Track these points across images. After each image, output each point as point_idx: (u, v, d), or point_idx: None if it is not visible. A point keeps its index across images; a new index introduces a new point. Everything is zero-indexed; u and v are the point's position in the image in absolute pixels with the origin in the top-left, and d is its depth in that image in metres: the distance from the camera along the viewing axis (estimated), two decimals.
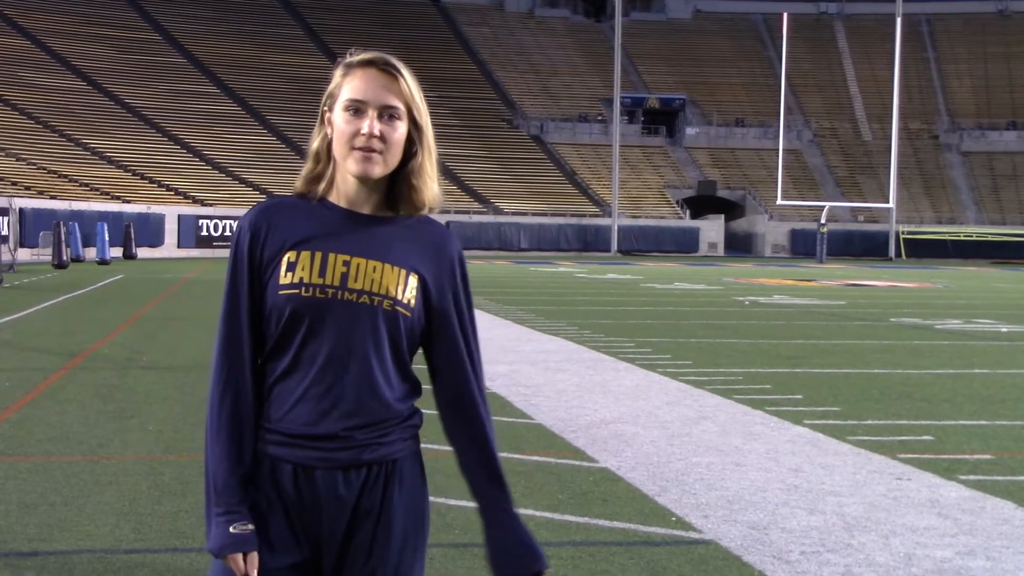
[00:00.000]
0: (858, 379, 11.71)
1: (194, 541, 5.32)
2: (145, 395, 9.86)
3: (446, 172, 60.68)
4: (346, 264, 2.28)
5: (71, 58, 67.11)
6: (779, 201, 67.01)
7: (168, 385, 10.51)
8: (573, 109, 78.80)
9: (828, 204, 66.42)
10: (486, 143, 72.41)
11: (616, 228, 66.52)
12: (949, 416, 9.43)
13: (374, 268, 2.29)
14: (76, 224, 42.51)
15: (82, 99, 63.71)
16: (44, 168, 53.48)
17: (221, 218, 54.57)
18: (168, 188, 57.46)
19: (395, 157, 2.31)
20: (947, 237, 68.87)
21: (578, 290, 28.94)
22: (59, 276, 31.79)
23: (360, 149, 2.27)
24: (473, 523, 5.66)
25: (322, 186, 2.35)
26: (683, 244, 68.27)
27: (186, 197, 57.16)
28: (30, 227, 43.61)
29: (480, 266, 43.80)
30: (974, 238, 68.95)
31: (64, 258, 36.46)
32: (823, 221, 61.30)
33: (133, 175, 57.70)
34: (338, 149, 2.30)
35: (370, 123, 2.27)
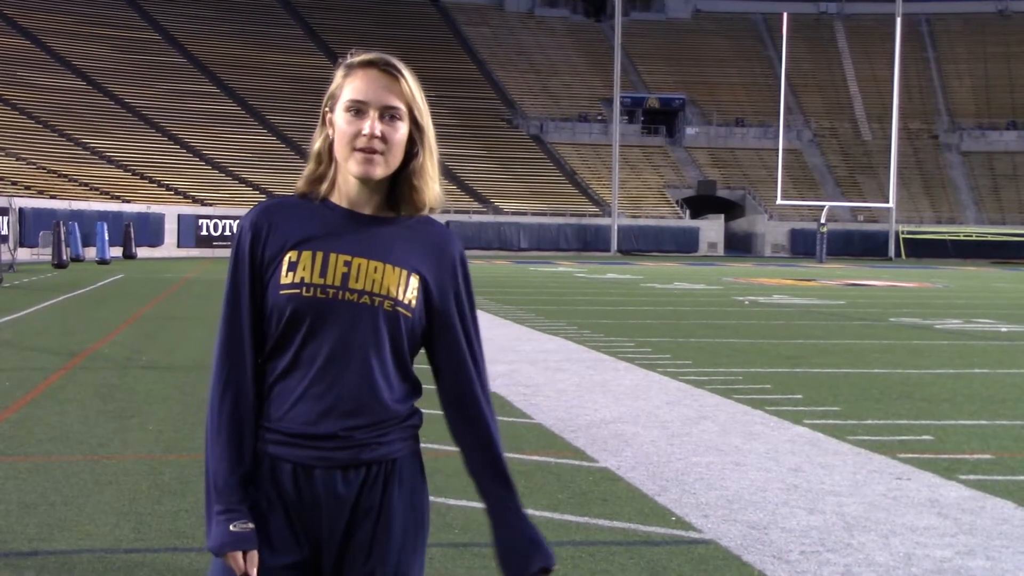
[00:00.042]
0: (858, 379, 11.71)
1: (194, 541, 5.32)
2: (145, 395, 9.86)
3: (446, 172, 60.59)
4: (347, 264, 2.29)
5: (71, 58, 67.11)
6: (779, 201, 67.00)
7: (168, 385, 10.51)
8: (573, 109, 78.80)
9: (828, 204, 66.42)
10: (486, 143, 72.41)
11: (616, 228, 66.52)
12: (949, 416, 9.43)
13: (375, 268, 2.29)
14: (76, 224, 42.51)
15: (82, 99, 63.72)
16: (44, 168, 53.48)
17: (221, 218, 54.57)
18: (168, 188, 57.46)
19: (396, 158, 2.31)
20: (947, 237, 68.87)
21: (578, 290, 28.94)
22: (59, 276, 31.79)
23: (361, 150, 2.27)
24: (473, 523, 5.66)
25: (324, 187, 2.35)
26: (683, 244, 68.27)
27: (186, 197, 57.16)
28: (30, 227, 43.61)
29: (480, 266, 43.79)
30: (974, 238, 68.95)
31: (64, 258, 36.46)
32: (823, 221, 61.29)
33: (133, 175, 57.70)
34: (339, 150, 2.31)
35: (371, 124, 2.27)
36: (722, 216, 72.29)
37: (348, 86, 2.31)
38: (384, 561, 2.30)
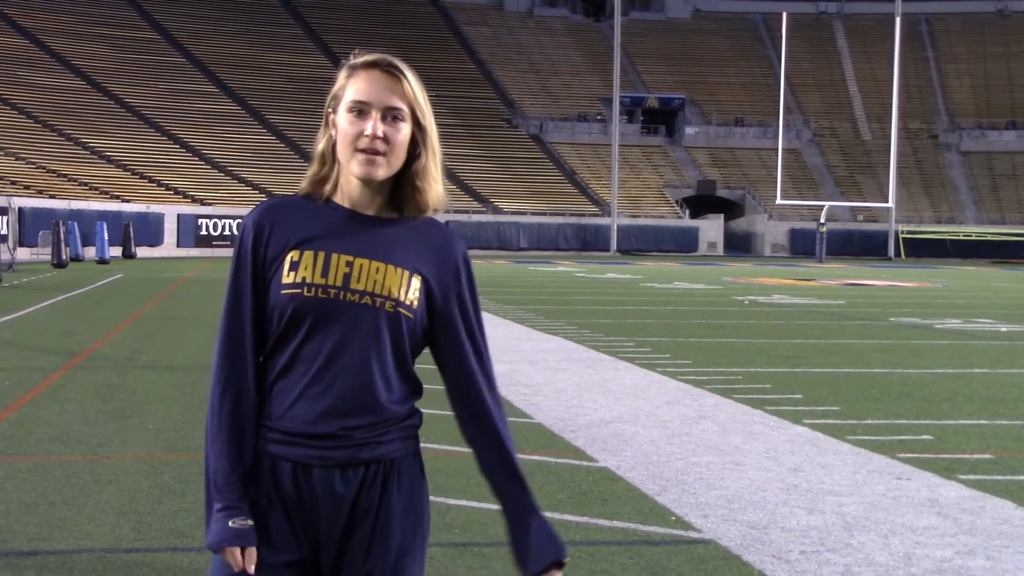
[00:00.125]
0: (858, 378, 11.72)
1: (194, 540, 5.32)
2: (145, 394, 9.86)
3: (445, 171, 60.50)
4: (349, 265, 2.29)
5: (71, 57, 67.10)
6: (778, 201, 67.00)
7: (168, 384, 10.51)
8: (572, 108, 78.80)
9: (827, 204, 66.41)
10: (485, 142, 72.41)
11: (615, 227, 66.51)
12: (949, 415, 9.43)
13: (377, 269, 2.30)
14: (75, 223, 42.51)
15: (82, 98, 63.71)
16: (43, 167, 53.46)
17: (220, 217, 54.56)
18: (167, 187, 57.45)
19: (399, 159, 2.31)
20: (946, 237, 68.87)
21: (577, 289, 28.95)
22: (58, 275, 31.78)
23: (363, 151, 2.28)
24: (473, 523, 5.67)
25: (327, 187, 2.36)
26: (682, 244, 68.26)
27: (185, 196, 57.15)
28: (29, 226, 43.60)
29: (479, 265, 43.81)
30: (973, 238, 68.95)
31: (63, 257, 36.45)
32: (822, 221, 61.30)
33: (132, 174, 57.69)
34: (342, 151, 2.31)
35: (373, 124, 2.28)
36: (722, 216, 72.29)
37: (351, 87, 2.31)
38: (383, 560, 2.31)
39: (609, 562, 5.12)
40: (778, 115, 68.40)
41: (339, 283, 2.28)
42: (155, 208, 53.00)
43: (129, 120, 63.73)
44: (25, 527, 5.54)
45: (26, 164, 52.98)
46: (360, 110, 2.29)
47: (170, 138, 63.48)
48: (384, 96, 2.29)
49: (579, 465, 7.16)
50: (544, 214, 66.82)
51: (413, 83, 2.32)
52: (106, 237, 41.42)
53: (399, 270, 2.31)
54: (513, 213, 66.10)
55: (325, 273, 2.28)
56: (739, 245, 72.31)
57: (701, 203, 73.75)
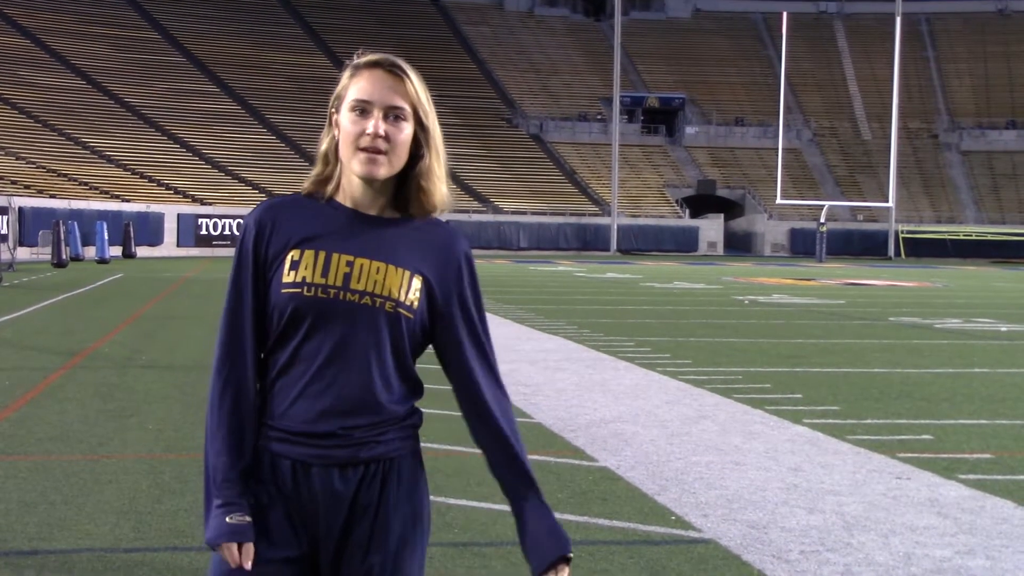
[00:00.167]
0: (857, 378, 11.72)
1: (194, 540, 5.32)
2: (145, 394, 9.86)
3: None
4: (349, 264, 2.29)
5: (71, 57, 67.10)
6: (778, 200, 67.00)
7: (168, 384, 10.51)
8: (572, 108, 78.80)
9: (827, 203, 66.42)
10: (485, 142, 72.41)
11: (615, 227, 66.51)
12: (949, 415, 9.43)
13: (377, 269, 2.30)
14: (75, 223, 42.50)
15: (82, 98, 63.71)
16: (43, 167, 53.47)
17: (221, 217, 54.55)
18: (167, 187, 57.45)
19: (400, 158, 2.31)
20: (947, 236, 68.87)
21: (577, 289, 28.95)
22: (58, 275, 31.79)
23: (365, 150, 2.28)
24: (473, 522, 5.67)
25: (330, 187, 2.36)
26: (682, 243, 68.26)
27: (185, 196, 57.15)
28: (29, 226, 43.60)
29: (480, 265, 43.21)
30: (973, 237, 68.94)
31: (63, 257, 36.45)
32: (822, 220, 61.30)
33: (132, 174, 57.69)
34: (344, 150, 2.31)
35: (375, 123, 2.28)
36: (722, 215, 72.29)
37: (353, 86, 2.32)
38: (381, 559, 2.31)
39: (609, 562, 5.12)
40: (778, 115, 68.40)
41: (339, 283, 2.29)
42: (155, 208, 53.00)
43: (129, 120, 63.73)
44: (25, 526, 5.54)
45: (26, 164, 52.98)
46: (362, 109, 2.29)
47: (170, 138, 63.49)
48: (386, 95, 2.29)
49: (579, 465, 7.16)
50: (544, 214, 66.82)
51: (416, 83, 2.32)
52: (106, 237, 41.42)
53: (400, 270, 2.31)
54: (513, 213, 66.10)
55: (325, 273, 2.29)
56: (739, 245, 72.32)
57: (701, 203, 73.76)
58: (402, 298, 2.30)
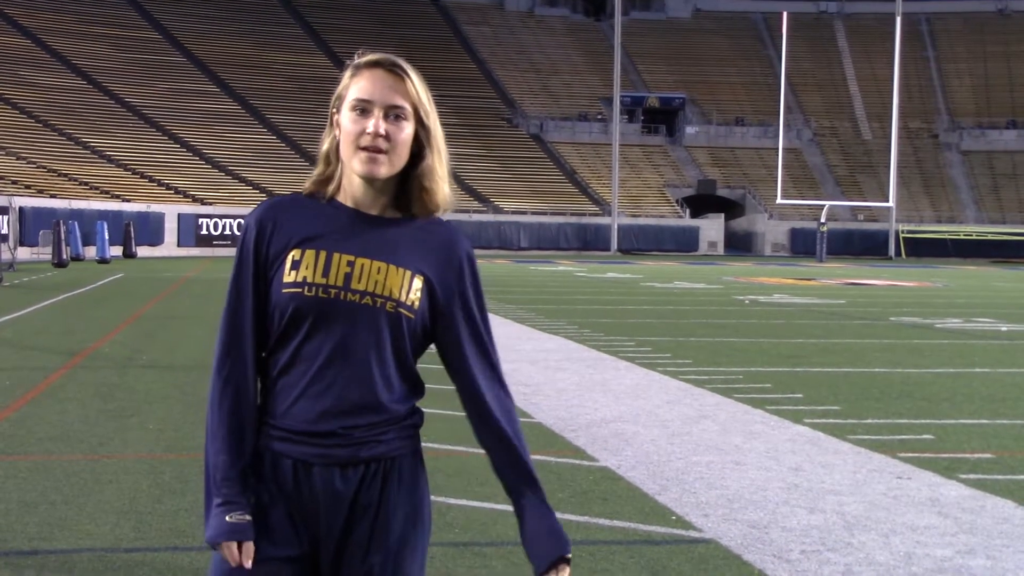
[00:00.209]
0: (858, 378, 11.71)
1: (194, 540, 5.32)
2: (145, 394, 9.86)
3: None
4: (350, 264, 2.29)
5: (71, 57, 67.11)
6: (779, 200, 67.00)
7: (168, 384, 10.51)
8: (573, 108, 78.80)
9: (828, 203, 66.42)
10: (486, 142, 72.42)
11: (616, 227, 66.51)
12: (949, 415, 9.43)
13: (378, 269, 2.30)
14: (76, 223, 42.51)
15: (82, 98, 63.72)
16: (44, 167, 53.47)
17: (221, 217, 54.55)
18: (168, 187, 57.46)
19: (401, 158, 2.31)
20: (947, 236, 68.87)
21: (578, 289, 28.95)
22: (59, 275, 31.79)
23: (365, 149, 2.28)
24: (473, 522, 5.67)
25: (331, 187, 2.36)
26: (683, 243, 68.26)
27: (186, 196, 57.16)
28: (30, 226, 43.60)
29: (480, 265, 43.54)
30: (974, 237, 68.94)
31: (64, 257, 36.45)
32: (823, 220, 61.29)
33: (133, 174, 57.70)
34: (345, 149, 2.31)
35: (375, 122, 2.28)
36: (722, 215, 72.30)
37: (354, 86, 2.32)
38: (382, 558, 2.31)
39: (610, 561, 5.12)
40: (778, 114, 68.40)
41: (340, 283, 2.28)
42: (156, 208, 53.00)
43: (130, 119, 63.74)
44: (25, 526, 5.54)
45: (27, 163, 52.99)
46: (363, 108, 2.29)
47: (171, 138, 63.50)
48: (387, 95, 2.29)
49: (580, 464, 7.16)
50: (545, 214, 66.83)
51: (416, 83, 2.32)
52: (107, 236, 41.42)
53: (401, 270, 2.31)
54: (514, 213, 66.11)
55: (326, 273, 2.28)
56: (739, 244, 72.32)
57: (701, 202, 73.76)
58: (403, 298, 2.30)
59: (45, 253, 40.07)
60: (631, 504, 6.16)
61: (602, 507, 6.08)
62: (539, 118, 76.98)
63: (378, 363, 2.30)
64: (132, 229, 46.77)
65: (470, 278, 2.39)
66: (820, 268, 49.20)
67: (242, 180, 61.15)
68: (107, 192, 53.33)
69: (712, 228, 70.38)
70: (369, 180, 2.31)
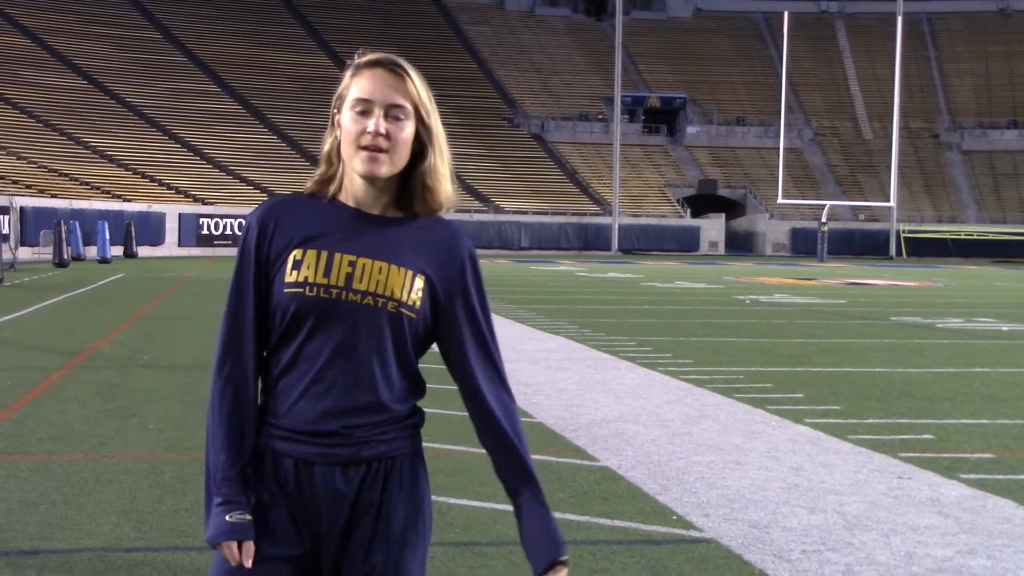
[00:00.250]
0: (859, 378, 11.71)
1: (195, 539, 5.32)
2: (146, 394, 9.87)
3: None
4: (352, 264, 2.29)
5: (72, 57, 67.13)
6: (780, 200, 66.99)
7: (169, 384, 10.51)
8: (574, 108, 78.80)
9: (829, 203, 66.41)
10: (487, 142, 72.42)
11: (617, 227, 66.51)
12: (950, 415, 9.43)
13: (380, 269, 2.30)
14: (77, 223, 42.51)
15: (83, 98, 63.73)
16: (45, 167, 53.49)
17: (222, 217, 54.57)
18: (169, 187, 57.47)
19: (402, 157, 2.31)
20: (948, 236, 68.86)
21: (579, 289, 28.95)
22: (60, 275, 31.79)
23: (366, 148, 2.28)
24: (474, 522, 5.67)
25: (332, 187, 2.36)
26: (684, 243, 68.25)
27: (187, 196, 57.17)
28: (31, 226, 43.60)
29: (481, 265, 43.72)
30: (975, 237, 68.91)
31: (65, 257, 36.46)
32: (824, 220, 61.29)
33: (134, 173, 57.71)
34: (346, 149, 2.31)
35: (376, 121, 2.28)
36: (723, 215, 72.29)
37: (354, 86, 2.32)
38: (383, 558, 2.31)
39: (610, 561, 5.12)
40: (779, 114, 68.39)
41: (341, 283, 2.28)
42: (156, 207, 53.02)
43: (131, 119, 63.76)
44: (26, 526, 5.55)
45: (28, 163, 53.00)
46: (363, 108, 2.29)
47: (172, 138, 63.51)
48: (387, 94, 2.29)
49: (580, 464, 7.16)
50: (545, 213, 66.84)
51: (417, 81, 2.32)
52: (107, 236, 41.42)
53: (402, 270, 2.31)
54: (515, 212, 66.11)
55: (327, 273, 2.29)
56: (740, 244, 72.31)
57: (702, 202, 73.75)
58: (404, 298, 2.30)
59: (46, 253, 40.08)
60: (632, 504, 6.16)
61: (603, 507, 6.08)
62: (540, 118, 76.99)
63: (380, 363, 2.30)
64: (133, 229, 46.78)
65: (472, 277, 2.39)
66: (821, 268, 49.19)
67: (243, 180, 61.16)
68: (108, 192, 53.34)
69: (713, 228, 70.38)
70: (370, 180, 2.31)
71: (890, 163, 68.76)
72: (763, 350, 14.30)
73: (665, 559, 5.18)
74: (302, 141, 64.91)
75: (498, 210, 65.88)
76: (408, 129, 2.31)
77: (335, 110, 2.35)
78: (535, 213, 66.54)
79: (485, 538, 5.42)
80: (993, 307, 23.70)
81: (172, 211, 53.58)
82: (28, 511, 5.82)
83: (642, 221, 68.55)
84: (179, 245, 53.00)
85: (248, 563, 2.26)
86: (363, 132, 2.28)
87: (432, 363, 2.46)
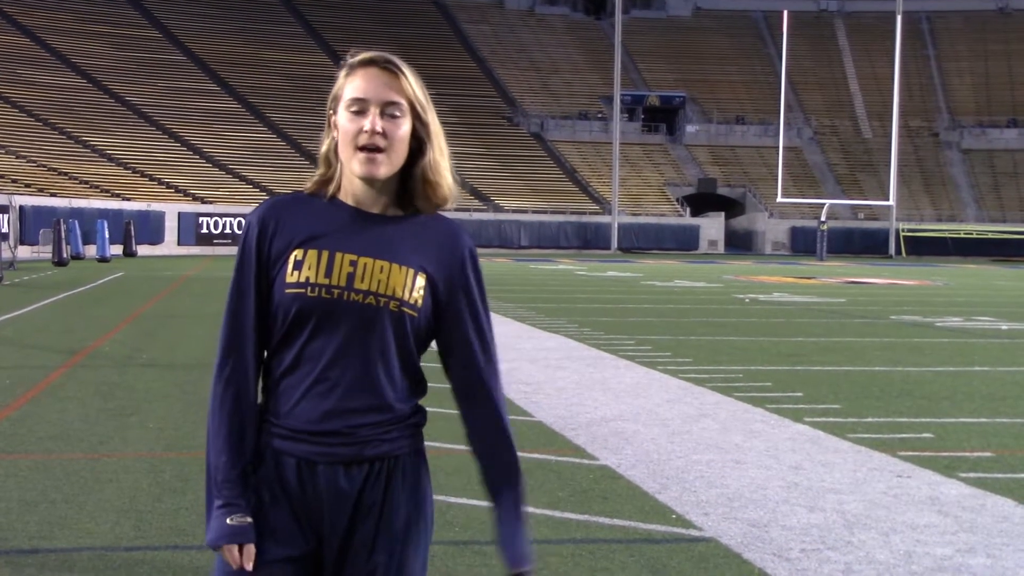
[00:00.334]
0: (858, 377, 11.71)
1: (194, 539, 5.32)
2: (145, 393, 9.87)
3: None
4: (353, 264, 2.29)
5: (71, 55, 67.10)
6: (779, 199, 66.99)
7: (168, 383, 10.51)
8: (573, 107, 78.79)
9: (828, 202, 66.42)
10: (486, 140, 72.41)
11: (616, 226, 66.52)
12: (949, 414, 9.43)
13: (381, 268, 2.29)
14: (76, 221, 42.52)
15: (82, 96, 63.72)
16: (44, 165, 53.47)
17: (221, 215, 54.57)
18: (168, 185, 57.46)
19: (400, 155, 2.31)
20: (947, 235, 68.87)
21: (578, 288, 28.94)
22: (59, 274, 31.79)
23: (364, 148, 2.28)
24: (474, 521, 5.67)
25: (331, 187, 2.36)
26: (683, 242, 68.26)
27: (186, 194, 57.16)
28: (30, 224, 43.61)
29: (481, 264, 43.70)
30: (974, 236, 68.92)
31: (64, 256, 36.46)
32: (823, 219, 61.30)
33: (133, 172, 57.70)
34: (343, 149, 2.31)
35: (372, 120, 2.28)
36: (722, 214, 72.29)
37: (349, 86, 2.32)
38: (386, 558, 2.31)
39: (610, 560, 5.12)
40: (779, 113, 68.40)
41: (343, 283, 2.28)
42: (156, 206, 53.02)
43: (130, 118, 63.75)
44: (26, 525, 5.54)
45: (27, 162, 52.98)
46: (359, 108, 2.29)
47: (171, 136, 63.50)
48: (382, 92, 2.29)
49: (580, 463, 7.16)
50: (545, 212, 66.84)
51: (411, 79, 2.32)
52: (107, 235, 41.43)
53: (404, 268, 2.31)
54: (514, 211, 66.12)
55: (329, 273, 2.28)
56: (740, 243, 72.31)
57: (702, 201, 73.76)
58: (406, 297, 2.30)
59: (45, 252, 40.07)
60: (631, 503, 6.16)
61: (602, 506, 6.08)
62: (539, 116, 76.98)
63: (382, 362, 2.30)
64: (132, 228, 46.78)
65: (472, 274, 2.39)
66: (820, 267, 49.20)
67: (242, 179, 61.15)
68: (107, 191, 53.34)
69: (712, 227, 70.38)
70: (369, 180, 2.31)
71: (889, 162, 68.76)
72: (762, 349, 14.31)
73: (664, 558, 5.18)
74: (301, 140, 64.89)
75: (497, 209, 65.88)
76: (405, 126, 2.31)
77: (331, 111, 2.35)
78: (534, 212, 66.55)
79: (485, 537, 5.42)
80: (992, 306, 23.70)
81: (171, 210, 53.58)
82: (27, 510, 5.82)
83: (641, 220, 68.56)
84: (178, 244, 53.00)
85: (249, 566, 2.26)
86: (360, 131, 2.28)
87: (433, 362, 2.46)
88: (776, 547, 5.34)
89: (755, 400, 9.83)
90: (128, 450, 7.42)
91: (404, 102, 2.31)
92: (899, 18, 69.62)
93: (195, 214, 54.33)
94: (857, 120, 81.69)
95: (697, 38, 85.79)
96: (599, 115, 77.68)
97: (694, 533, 5.59)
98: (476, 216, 63.29)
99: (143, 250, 48.51)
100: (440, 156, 2.35)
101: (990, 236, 68.87)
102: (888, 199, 68.10)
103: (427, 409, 2.41)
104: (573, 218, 67.04)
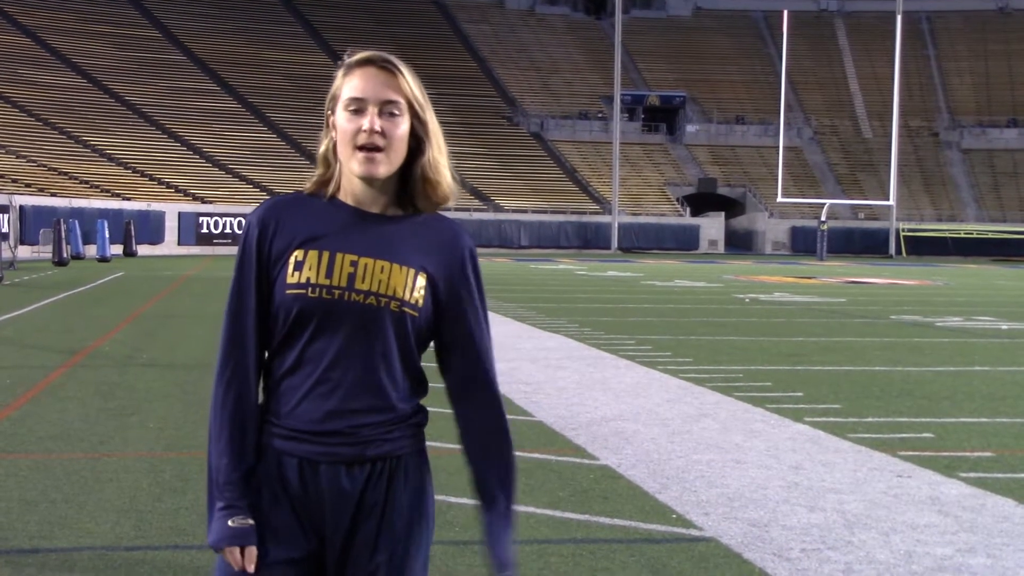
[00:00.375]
0: (858, 376, 11.71)
1: (195, 538, 5.32)
2: (145, 392, 9.86)
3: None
4: (353, 264, 2.29)
5: (71, 55, 67.11)
6: (779, 199, 67.00)
7: (168, 383, 10.51)
8: (573, 106, 78.79)
9: (828, 201, 66.42)
10: (486, 140, 72.42)
11: (616, 225, 66.52)
12: (949, 413, 9.43)
13: (382, 268, 2.29)
14: (76, 221, 42.52)
15: (82, 96, 63.72)
16: (44, 165, 53.48)
17: (221, 215, 54.58)
18: (168, 185, 57.46)
19: (399, 154, 2.31)
20: (947, 234, 68.87)
21: (578, 287, 28.94)
22: (59, 273, 31.79)
23: (363, 148, 2.28)
24: (474, 521, 5.66)
25: (331, 188, 2.36)
26: (683, 241, 68.27)
27: (186, 194, 57.16)
28: (30, 224, 43.61)
29: (480, 263, 43.69)
30: (974, 235, 68.92)
31: (64, 255, 36.46)
32: (823, 218, 61.29)
33: (133, 172, 57.70)
34: (342, 149, 2.31)
35: (370, 119, 2.28)
36: (722, 214, 72.30)
37: (347, 85, 2.31)
38: (388, 558, 2.31)
39: (610, 560, 5.12)
40: (779, 113, 68.40)
41: (343, 283, 2.28)
42: (156, 206, 53.03)
43: (130, 118, 63.75)
44: (26, 525, 5.54)
45: (27, 162, 52.99)
46: (357, 107, 2.29)
47: (171, 136, 63.50)
48: (380, 91, 2.29)
49: (580, 463, 7.16)
50: (545, 212, 66.84)
51: (409, 77, 2.32)
52: (107, 235, 41.43)
53: (404, 268, 2.31)
54: (514, 211, 66.12)
55: (329, 273, 2.28)
56: (740, 243, 72.32)
57: (702, 201, 73.76)
58: (407, 297, 2.30)
59: (46, 252, 40.08)
60: (631, 502, 6.16)
61: (602, 505, 6.08)
62: (539, 116, 76.98)
63: (384, 363, 2.30)
64: (132, 227, 46.78)
65: (472, 274, 2.39)
66: (820, 266, 49.20)
67: (242, 179, 61.15)
68: (107, 190, 53.34)
69: (712, 226, 70.38)
70: (368, 180, 2.31)
71: (890, 162, 68.76)
72: (763, 348, 14.30)
73: (665, 558, 5.18)
74: (301, 139, 64.91)
75: (497, 209, 65.89)
76: (403, 125, 2.30)
77: (329, 111, 2.35)
78: (535, 212, 66.55)
79: None
80: (992, 306, 23.70)
81: (171, 210, 53.59)
82: (28, 510, 5.82)
83: (641, 220, 68.56)
84: (179, 244, 53.02)
85: (251, 568, 2.26)
86: (358, 131, 2.28)
87: (432, 362, 2.45)
88: (776, 547, 5.34)
89: (755, 400, 9.83)
90: (128, 450, 7.42)
91: (402, 101, 2.30)
92: (899, 18, 69.62)
93: (195, 214, 54.35)
94: (857, 120, 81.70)
95: (697, 38, 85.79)
96: (599, 115, 77.68)
97: (694, 533, 5.58)
98: (476, 216, 63.29)
99: (143, 250, 48.52)
100: (439, 155, 2.35)
101: (990, 236, 68.87)
102: (888, 199, 68.10)
103: (428, 409, 2.42)
104: (573, 218, 67.05)
